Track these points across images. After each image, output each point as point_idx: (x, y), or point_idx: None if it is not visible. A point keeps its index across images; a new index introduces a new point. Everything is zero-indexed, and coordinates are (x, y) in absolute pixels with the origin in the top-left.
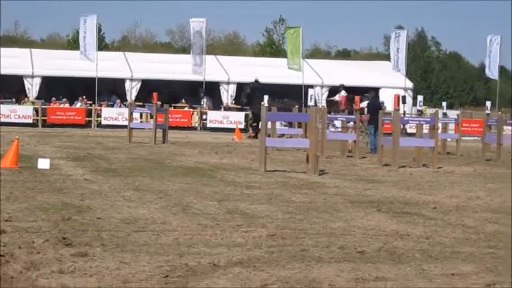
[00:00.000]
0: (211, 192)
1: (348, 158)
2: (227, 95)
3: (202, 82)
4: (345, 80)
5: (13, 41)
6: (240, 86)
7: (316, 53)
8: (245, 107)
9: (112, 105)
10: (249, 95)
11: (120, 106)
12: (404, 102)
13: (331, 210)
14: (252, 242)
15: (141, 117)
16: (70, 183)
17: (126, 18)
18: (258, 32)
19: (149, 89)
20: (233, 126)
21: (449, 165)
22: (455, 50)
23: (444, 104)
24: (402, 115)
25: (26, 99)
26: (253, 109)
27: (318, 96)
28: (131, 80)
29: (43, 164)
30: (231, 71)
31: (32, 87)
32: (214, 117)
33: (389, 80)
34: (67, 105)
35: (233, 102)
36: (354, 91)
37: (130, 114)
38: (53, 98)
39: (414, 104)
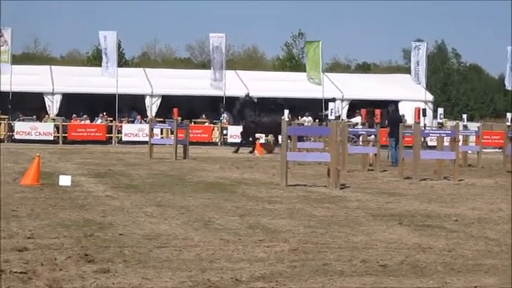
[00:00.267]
0: (233, 207)
1: (369, 171)
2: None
3: (222, 97)
4: (365, 94)
5: (33, 58)
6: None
7: (335, 67)
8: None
9: (132, 122)
10: (240, 110)
11: (140, 122)
12: (424, 115)
13: (352, 224)
14: (274, 256)
15: (161, 133)
16: (92, 199)
17: (145, 34)
18: (278, 47)
19: (169, 104)
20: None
21: (470, 178)
22: (475, 62)
23: (464, 116)
24: (423, 128)
25: (47, 116)
26: (245, 123)
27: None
28: (151, 96)
29: (64, 180)
30: (251, 85)
31: (53, 104)
32: (235, 132)
33: (410, 93)
34: (88, 121)
35: None
36: (374, 104)
37: (151, 130)
38: (74, 115)
39: (435, 116)
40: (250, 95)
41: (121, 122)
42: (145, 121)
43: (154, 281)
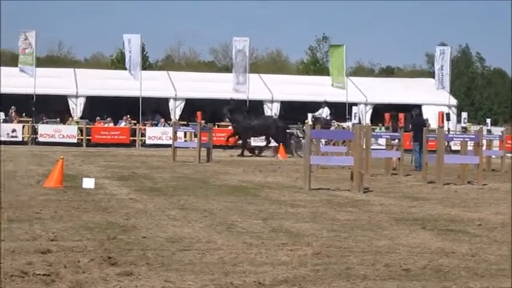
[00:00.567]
0: (256, 211)
1: (392, 175)
2: (271, 113)
3: (246, 101)
4: (389, 98)
5: (57, 61)
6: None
7: (359, 71)
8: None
9: (156, 125)
10: (230, 116)
11: (164, 125)
12: (448, 119)
13: (376, 228)
14: (297, 260)
15: (185, 136)
16: (115, 202)
17: (169, 37)
18: (301, 50)
19: (193, 108)
20: (276, 144)
21: (494, 182)
22: (499, 66)
23: (488, 120)
24: (446, 132)
25: (71, 119)
26: (237, 127)
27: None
28: (175, 99)
29: (88, 183)
30: (275, 89)
31: (76, 107)
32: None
33: (433, 97)
34: (111, 124)
35: None
36: (398, 109)
37: (175, 133)
38: (97, 118)
39: (458, 121)
40: (233, 99)
41: (145, 125)
42: (169, 124)
43: (177, 284)
